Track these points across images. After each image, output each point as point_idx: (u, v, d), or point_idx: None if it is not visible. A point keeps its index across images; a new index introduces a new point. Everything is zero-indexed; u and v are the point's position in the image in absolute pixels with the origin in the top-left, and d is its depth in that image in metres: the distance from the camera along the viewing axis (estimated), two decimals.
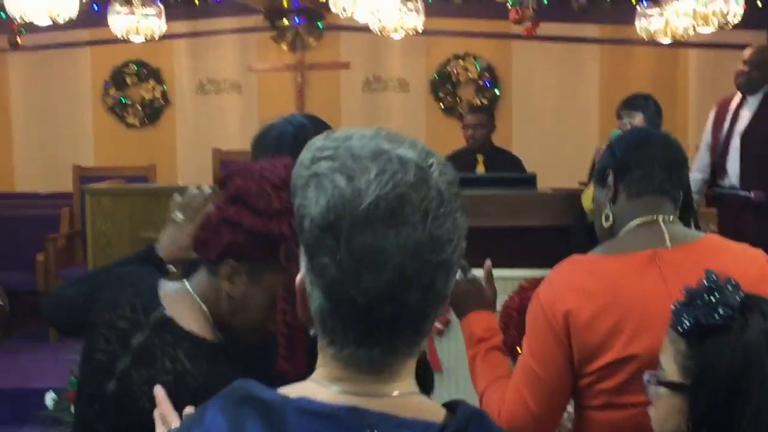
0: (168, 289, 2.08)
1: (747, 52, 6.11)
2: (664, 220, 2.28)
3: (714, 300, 1.82)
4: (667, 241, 2.24)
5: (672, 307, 1.89)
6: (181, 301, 2.04)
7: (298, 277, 1.22)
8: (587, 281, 2.21)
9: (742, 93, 6.10)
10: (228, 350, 2.02)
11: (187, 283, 2.07)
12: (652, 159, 2.33)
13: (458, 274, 2.55)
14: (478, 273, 2.61)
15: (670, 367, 1.87)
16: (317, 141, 1.21)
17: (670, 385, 1.87)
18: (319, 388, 1.20)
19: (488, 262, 2.62)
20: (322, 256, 1.16)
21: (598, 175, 2.43)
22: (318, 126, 2.66)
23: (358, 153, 1.16)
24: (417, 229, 1.13)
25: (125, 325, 2.02)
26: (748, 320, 1.80)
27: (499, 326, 2.55)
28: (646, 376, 1.94)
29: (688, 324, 1.84)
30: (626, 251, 2.25)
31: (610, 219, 2.36)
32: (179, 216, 2.32)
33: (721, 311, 1.80)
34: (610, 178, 2.36)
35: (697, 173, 6.28)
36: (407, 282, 1.14)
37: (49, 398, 5.25)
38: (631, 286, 2.18)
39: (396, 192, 1.13)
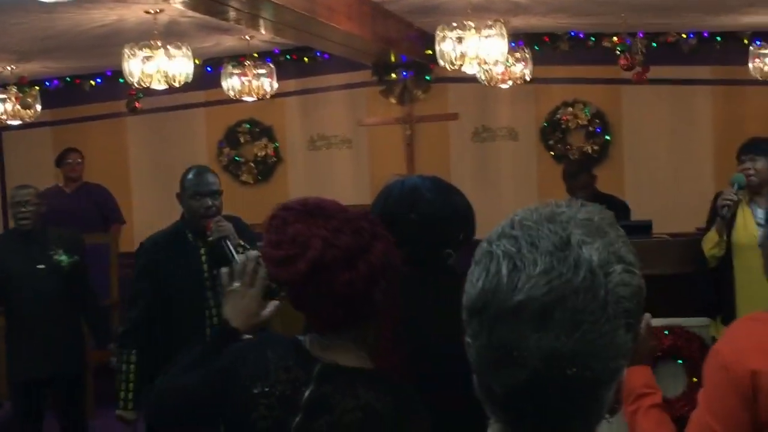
0: (312, 340, 2.12)
1: None
2: None
3: None
4: None
5: None
6: (332, 348, 2.09)
7: None
8: None
9: None
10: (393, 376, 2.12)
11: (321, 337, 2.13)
12: None
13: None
14: None
15: None
16: (520, 212, 1.17)
17: None
18: None
19: (647, 315, 2.55)
20: (468, 335, 1.14)
21: None
22: (435, 186, 2.67)
23: (540, 242, 1.11)
24: (560, 338, 1.07)
25: (284, 388, 2.05)
26: None
27: None
28: None
29: None
30: None
31: None
32: (236, 285, 2.35)
33: None
34: None
35: None
36: (542, 386, 1.09)
37: None
38: None
39: (551, 296, 1.07)
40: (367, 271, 2.03)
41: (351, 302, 2.04)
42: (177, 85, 6.58)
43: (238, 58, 8.31)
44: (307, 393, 2.03)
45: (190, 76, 6.63)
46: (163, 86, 6.56)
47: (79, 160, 8.38)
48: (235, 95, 7.98)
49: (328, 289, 2.02)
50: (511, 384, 1.10)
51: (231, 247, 4.46)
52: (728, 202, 4.91)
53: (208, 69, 8.85)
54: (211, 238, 4.56)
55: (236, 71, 7.90)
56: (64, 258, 5.56)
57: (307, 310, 2.07)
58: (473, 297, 1.12)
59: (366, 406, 2.00)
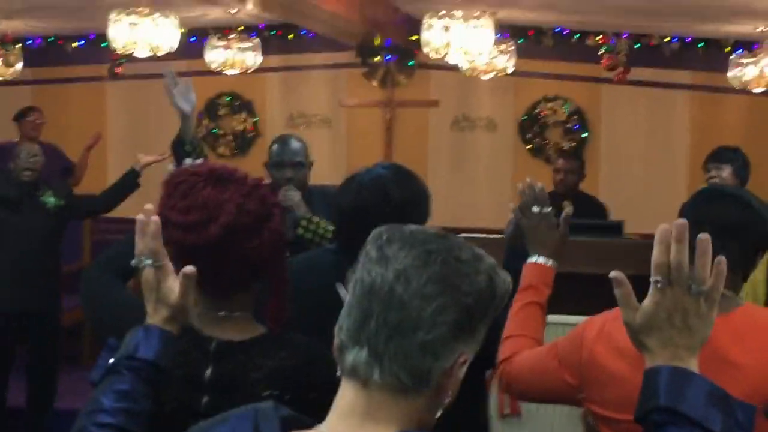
0: (200, 319, 2.07)
1: None
2: None
3: None
4: None
5: None
6: (223, 324, 2.08)
7: None
8: None
9: None
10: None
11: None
12: None
13: (535, 208, 2.62)
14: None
15: None
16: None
17: None
18: None
19: (569, 209, 2.67)
20: None
21: None
22: (399, 175, 2.68)
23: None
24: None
25: (185, 371, 2.01)
26: None
27: None
28: None
29: None
30: None
31: None
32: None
33: None
34: None
35: None
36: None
37: None
38: None
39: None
40: (269, 238, 2.07)
41: (254, 268, 2.07)
42: (161, 54, 6.56)
43: (222, 30, 8.29)
44: (208, 373, 2.02)
45: (175, 46, 6.61)
46: (147, 54, 6.54)
47: (39, 121, 7.99)
48: (217, 67, 7.96)
49: (237, 254, 2.03)
50: None
51: (294, 219, 4.24)
52: None
53: (192, 39, 8.81)
54: None
55: (221, 44, 7.88)
56: (51, 200, 5.85)
57: (206, 276, 1.97)
58: None
59: (272, 374, 2.01)
